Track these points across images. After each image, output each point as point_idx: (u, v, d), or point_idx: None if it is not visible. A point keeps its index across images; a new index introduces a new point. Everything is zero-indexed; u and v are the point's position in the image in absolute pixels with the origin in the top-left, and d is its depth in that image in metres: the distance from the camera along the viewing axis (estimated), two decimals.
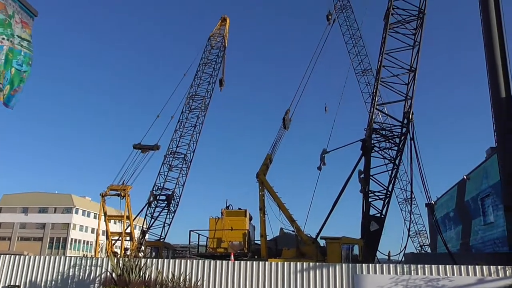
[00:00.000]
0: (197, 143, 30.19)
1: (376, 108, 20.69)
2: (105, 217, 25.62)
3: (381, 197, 19.40)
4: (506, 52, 17.97)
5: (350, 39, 43.80)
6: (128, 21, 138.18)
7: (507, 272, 11.75)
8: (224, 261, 14.63)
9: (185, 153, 29.52)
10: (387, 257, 20.98)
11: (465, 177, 33.06)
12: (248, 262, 14.49)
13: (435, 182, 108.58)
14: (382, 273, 12.96)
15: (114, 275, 14.10)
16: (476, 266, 12.25)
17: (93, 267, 15.05)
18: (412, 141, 19.69)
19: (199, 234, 23.10)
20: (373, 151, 19.74)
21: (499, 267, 12.02)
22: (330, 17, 32.26)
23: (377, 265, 13.44)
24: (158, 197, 28.48)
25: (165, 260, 15.16)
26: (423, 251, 47.16)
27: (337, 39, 43.03)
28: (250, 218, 23.83)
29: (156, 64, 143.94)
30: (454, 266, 12.46)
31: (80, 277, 14.95)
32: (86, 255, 73.45)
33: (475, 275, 12.11)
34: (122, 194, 25.27)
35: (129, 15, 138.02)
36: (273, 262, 14.57)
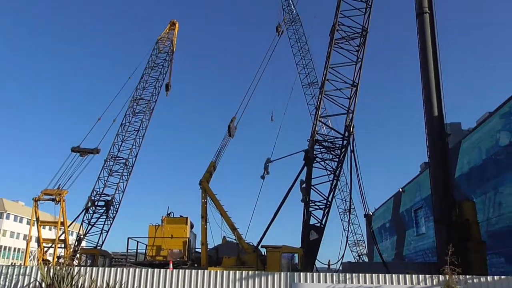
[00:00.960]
0: (140, 148, 29.47)
1: (319, 120, 21.25)
2: (37, 223, 24.26)
3: (321, 206, 19.86)
4: (440, 73, 19.14)
5: (299, 52, 44.85)
6: (74, 17, 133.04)
7: (434, 281, 12.40)
8: (162, 270, 14.29)
9: (126, 158, 28.69)
10: (327, 266, 21.49)
11: (400, 189, 34.74)
12: (187, 270, 14.25)
13: (375, 193, 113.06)
14: (319, 281, 13.23)
15: (43, 284, 13.33)
16: (407, 275, 12.83)
17: (20, 276, 14.12)
18: (352, 153, 20.39)
19: (138, 242, 22.48)
20: (315, 161, 20.20)
21: (427, 276, 12.65)
22: (279, 28, 32.85)
23: (314, 273, 13.70)
24: (96, 202, 27.42)
25: (100, 268, 14.54)
26: (360, 260, 48.67)
27: (286, 50, 43.92)
28: (192, 226, 23.53)
29: (102, 63, 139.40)
30: (387, 275, 12.97)
31: (6, 287, 13.99)
32: (15, 263, 69.05)
33: (406, 283, 12.66)
34: (57, 199, 24.07)
35: (77, 11, 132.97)
36: (212, 271, 14.43)
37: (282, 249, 18.13)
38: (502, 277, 12.68)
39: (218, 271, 14.47)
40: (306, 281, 13.27)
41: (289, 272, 14.92)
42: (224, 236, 21.52)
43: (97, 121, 28.26)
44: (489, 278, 12.52)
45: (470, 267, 15.77)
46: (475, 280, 12.39)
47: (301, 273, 13.57)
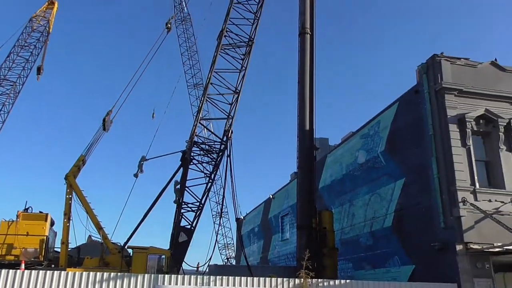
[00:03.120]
0: None
1: (200, 123, 21.38)
2: None
3: (193, 209, 19.92)
4: (314, 91, 20.67)
5: (186, 51, 44.63)
6: None
7: (291, 284, 13.31)
8: (11, 270, 12.90)
9: None
10: (195, 269, 21.56)
11: (271, 196, 36.56)
12: (41, 271, 13.07)
13: (250, 198, 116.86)
14: (183, 284, 13.24)
15: None
16: (267, 278, 13.55)
17: None
18: (228, 158, 20.90)
19: None
20: (191, 163, 20.24)
21: (285, 279, 13.52)
22: (169, 25, 32.26)
23: (179, 276, 13.66)
24: None
25: None
26: (228, 264, 49.79)
27: (174, 48, 43.27)
28: (52, 223, 21.64)
29: None
30: (249, 278, 13.54)
31: None
32: None
33: (265, 286, 13.36)
34: None
35: None
36: (71, 272, 13.48)
37: (149, 250, 17.74)
38: (348, 281, 14.14)
39: (77, 272, 13.58)
40: (170, 283, 13.16)
41: (155, 274, 14.65)
42: (90, 235, 20.28)
43: None
44: (337, 281, 13.86)
45: (323, 271, 17.28)
46: (325, 283, 13.59)
47: (166, 275, 13.44)
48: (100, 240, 19.51)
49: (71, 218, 19.20)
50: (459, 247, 14.68)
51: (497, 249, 14.30)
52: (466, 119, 16.22)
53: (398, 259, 18.21)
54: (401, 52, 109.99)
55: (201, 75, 43.97)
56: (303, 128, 19.97)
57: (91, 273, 13.24)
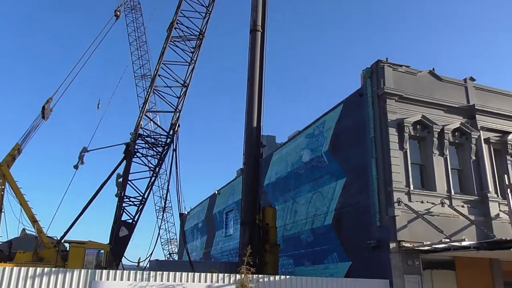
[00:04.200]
0: None
1: (146, 115, 20.92)
2: None
3: (136, 203, 19.47)
4: (263, 88, 20.84)
5: (135, 41, 43.46)
6: None
7: (231, 279, 13.37)
8: None
9: None
10: (136, 264, 21.09)
11: (216, 192, 36.53)
12: None
13: (195, 193, 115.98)
14: (122, 279, 12.90)
15: None
16: (208, 274, 13.52)
17: None
18: (174, 152, 20.61)
19: None
20: (135, 156, 19.76)
21: (226, 274, 13.58)
22: (118, 13, 31.21)
23: (118, 271, 13.32)
24: None
25: None
26: (170, 259, 49.23)
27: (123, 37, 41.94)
28: None
29: None
30: (189, 273, 13.45)
31: None
32: None
33: (206, 282, 13.32)
34: None
35: None
36: (0, 267, 12.72)
37: (87, 244, 17.13)
38: (288, 276, 14.45)
39: (8, 267, 12.85)
40: (108, 278, 12.79)
41: (93, 269, 14.17)
42: (24, 229, 19.25)
43: None
44: (277, 277, 14.11)
45: (265, 267, 17.55)
46: (265, 279, 13.79)
47: (103, 271, 13.05)
48: (34, 233, 18.58)
49: (3, 210, 18.13)
50: (392, 245, 15.44)
51: (426, 248, 15.19)
52: (405, 124, 17.06)
53: (337, 256, 18.85)
54: (353, 54, 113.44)
55: (150, 66, 43.08)
56: (250, 125, 20.11)
57: (22, 268, 12.57)
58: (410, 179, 16.65)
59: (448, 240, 15.01)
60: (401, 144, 16.92)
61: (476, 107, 18.52)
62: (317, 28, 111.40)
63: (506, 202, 14.82)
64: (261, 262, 17.70)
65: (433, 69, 18.85)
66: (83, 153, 20.36)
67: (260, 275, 13.90)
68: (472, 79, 19.32)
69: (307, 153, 22.56)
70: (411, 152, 17.22)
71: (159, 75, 20.95)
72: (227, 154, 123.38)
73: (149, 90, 21.25)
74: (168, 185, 21.08)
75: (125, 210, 19.10)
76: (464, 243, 13.95)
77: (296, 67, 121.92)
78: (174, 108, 20.91)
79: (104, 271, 12.98)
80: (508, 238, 13.65)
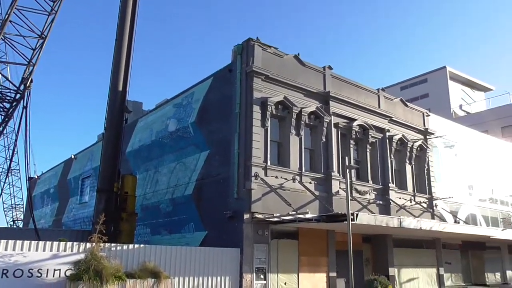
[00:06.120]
0: None
1: None
2: None
3: None
4: (132, 52, 19.81)
5: None
6: None
7: (81, 248, 12.74)
8: None
9: None
10: None
11: (73, 156, 34.08)
12: None
13: (48, 156, 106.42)
14: None
15: None
16: (55, 242, 12.65)
17: None
18: (24, 110, 18.62)
19: None
20: None
21: (75, 243, 12.86)
22: None
23: None
24: None
25: None
26: (14, 226, 44.88)
27: None
28: None
29: None
30: (32, 242, 12.42)
31: None
32: None
33: (52, 251, 12.46)
34: None
35: None
36: None
37: None
38: (142, 245, 14.34)
39: None
40: None
41: None
42: None
43: None
44: (131, 246, 13.90)
45: (120, 236, 17.12)
46: (118, 248, 13.48)
47: None
48: None
49: None
50: (246, 216, 16.38)
51: (275, 219, 16.47)
52: (268, 103, 17.96)
53: (194, 226, 19.28)
54: (232, 28, 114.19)
55: (0, 9, 37.46)
56: (115, 88, 19.02)
57: None
58: (268, 155, 17.70)
59: (295, 212, 16.47)
60: (263, 121, 17.81)
61: (330, 94, 20.38)
62: None
63: (345, 181, 16.75)
64: (116, 231, 17.23)
65: (298, 54, 20.09)
66: None
67: (112, 244, 13.53)
68: (330, 67, 21.13)
69: (174, 122, 22.35)
70: (271, 130, 18.26)
71: (10, 21, 18.47)
72: (88, 117, 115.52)
73: None
74: (14, 145, 18.95)
75: None
76: (307, 216, 15.48)
77: (173, 36, 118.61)
78: (28, 60, 18.76)
79: None
80: (343, 212, 15.55)
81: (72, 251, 12.72)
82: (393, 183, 22.55)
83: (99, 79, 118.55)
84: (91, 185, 29.42)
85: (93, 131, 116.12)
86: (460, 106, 52.36)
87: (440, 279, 23.99)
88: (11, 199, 46.65)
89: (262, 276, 16.47)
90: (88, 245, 12.65)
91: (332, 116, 20.34)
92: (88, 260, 11.84)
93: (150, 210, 22.72)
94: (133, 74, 19.79)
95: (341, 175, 19.83)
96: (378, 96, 23.43)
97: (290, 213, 16.48)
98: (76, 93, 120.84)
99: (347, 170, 16.40)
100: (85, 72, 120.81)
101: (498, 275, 29.10)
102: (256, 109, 17.73)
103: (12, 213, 47.34)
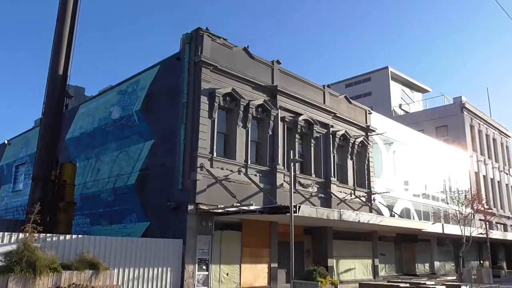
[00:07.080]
0: None
1: None
2: None
3: None
4: (75, 33, 18.83)
5: None
6: None
7: (13, 239, 12.08)
8: None
9: None
10: None
11: (6, 141, 32.10)
12: None
13: None
14: None
15: None
16: None
17: None
18: None
19: None
20: None
21: (6, 233, 12.18)
22: None
23: None
24: None
25: None
26: None
27: None
28: None
29: None
30: None
31: None
32: None
33: None
34: None
35: None
36: None
37: None
38: (79, 236, 13.85)
39: None
40: None
41: None
42: None
43: None
44: (68, 236, 13.36)
45: (57, 226, 16.38)
46: (54, 238, 12.93)
47: None
48: None
49: None
50: (190, 207, 16.27)
51: (219, 210, 16.51)
52: (216, 94, 17.88)
53: (136, 216, 18.88)
54: (182, 15, 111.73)
55: None
56: (55, 71, 18.05)
57: None
58: (214, 147, 17.66)
59: (239, 204, 16.59)
60: (210, 112, 17.71)
61: (278, 88, 20.63)
62: None
63: (289, 174, 17.07)
64: (52, 221, 16.47)
65: (247, 46, 20.12)
66: None
67: (48, 234, 12.95)
68: (278, 62, 21.36)
69: (118, 110, 21.67)
70: (218, 121, 18.20)
71: None
72: (24, 101, 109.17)
73: None
74: None
75: None
76: (251, 207, 15.66)
77: (121, 20, 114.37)
78: None
79: None
80: (286, 205, 15.87)
81: (3, 241, 12.04)
82: (334, 177, 23.29)
83: (39, 60, 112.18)
84: (26, 172, 27.90)
85: (28, 116, 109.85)
86: (400, 106, 54.83)
87: (375, 270, 25.21)
88: None
89: (204, 267, 16.48)
90: (21, 235, 12.01)
91: (279, 110, 20.62)
92: (20, 251, 11.20)
93: (90, 199, 21.94)
94: (76, 58, 18.95)
95: (285, 168, 20.19)
96: (324, 93, 24.03)
97: (234, 204, 16.57)
98: (11, 78, 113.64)
99: (292, 164, 16.73)
100: (24, 51, 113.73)
101: (427, 265, 31.06)
102: (204, 100, 17.59)
103: None
